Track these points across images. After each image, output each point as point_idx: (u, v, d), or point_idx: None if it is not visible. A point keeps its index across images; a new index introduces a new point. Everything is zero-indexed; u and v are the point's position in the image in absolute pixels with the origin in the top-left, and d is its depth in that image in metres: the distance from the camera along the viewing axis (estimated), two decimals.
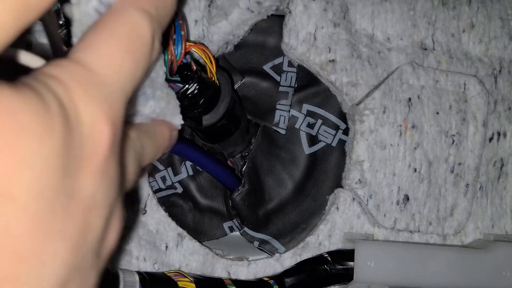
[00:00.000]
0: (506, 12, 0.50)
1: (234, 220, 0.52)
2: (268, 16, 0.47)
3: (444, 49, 0.49)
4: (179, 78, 0.35)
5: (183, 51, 0.33)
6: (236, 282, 0.43)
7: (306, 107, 0.52)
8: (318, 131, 0.52)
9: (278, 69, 0.52)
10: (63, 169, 0.15)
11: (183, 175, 0.53)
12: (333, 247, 0.45)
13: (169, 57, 0.33)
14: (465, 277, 0.43)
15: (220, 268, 0.45)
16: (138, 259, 0.43)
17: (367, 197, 0.45)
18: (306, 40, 0.46)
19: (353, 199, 0.46)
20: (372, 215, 0.45)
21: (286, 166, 0.53)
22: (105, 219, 0.17)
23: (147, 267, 0.44)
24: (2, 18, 0.14)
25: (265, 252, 0.51)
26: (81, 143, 0.15)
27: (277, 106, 0.52)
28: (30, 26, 0.15)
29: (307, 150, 0.53)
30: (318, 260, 0.44)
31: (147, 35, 0.18)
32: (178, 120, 0.29)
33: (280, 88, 0.52)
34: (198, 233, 0.52)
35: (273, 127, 0.52)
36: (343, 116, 0.51)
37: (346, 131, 0.52)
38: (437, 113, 0.46)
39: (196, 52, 0.37)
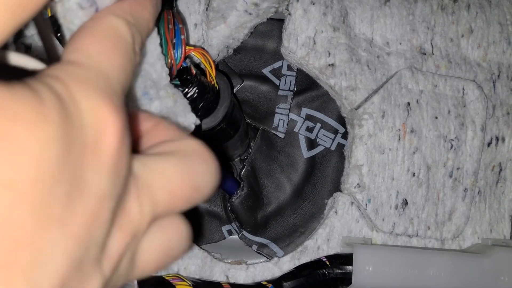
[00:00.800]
0: (505, 17, 0.50)
1: (233, 223, 0.52)
2: (267, 20, 0.47)
3: (443, 53, 0.49)
4: (178, 82, 0.35)
5: (183, 55, 0.33)
6: (234, 286, 0.43)
7: (305, 111, 0.53)
8: (317, 135, 0.53)
9: (277, 73, 0.52)
10: (64, 156, 0.14)
11: None
12: (331, 251, 0.45)
13: (169, 60, 0.33)
14: (463, 281, 0.43)
15: (219, 272, 0.44)
16: None
17: (366, 201, 0.45)
18: (305, 44, 0.46)
19: (352, 203, 0.46)
20: (371, 219, 0.45)
21: (285, 169, 0.53)
22: (112, 212, 0.16)
23: None
24: None
25: (264, 255, 0.51)
26: (83, 131, 0.15)
27: (276, 110, 0.52)
28: (25, 24, 0.16)
29: (306, 153, 0.53)
30: (316, 264, 0.44)
31: (127, 37, 0.19)
32: (191, 118, 0.29)
33: (279, 92, 0.52)
34: (196, 237, 0.52)
35: (272, 131, 0.52)
36: (342, 120, 0.51)
37: (345, 135, 0.52)
38: (436, 117, 0.47)
39: (196, 56, 0.37)
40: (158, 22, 0.30)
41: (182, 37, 0.33)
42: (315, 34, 0.46)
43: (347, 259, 0.43)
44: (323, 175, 0.53)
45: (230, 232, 0.53)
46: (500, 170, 0.49)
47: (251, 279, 0.45)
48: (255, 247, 0.51)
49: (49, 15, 0.24)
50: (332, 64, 0.47)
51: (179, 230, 0.20)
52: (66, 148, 0.15)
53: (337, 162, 0.52)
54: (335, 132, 0.52)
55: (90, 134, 0.16)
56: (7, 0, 0.15)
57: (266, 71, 0.52)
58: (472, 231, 0.48)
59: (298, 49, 0.46)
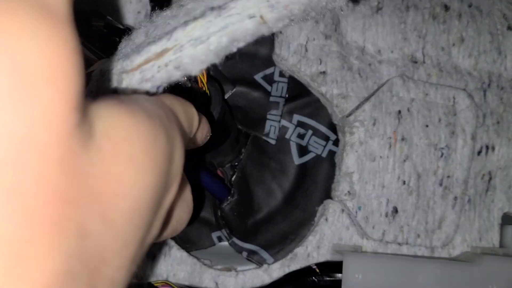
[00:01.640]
0: (496, 27, 0.50)
1: (223, 230, 0.52)
2: None
3: (434, 62, 0.49)
4: None
5: None
6: None
7: (296, 117, 0.53)
8: (308, 142, 0.53)
9: (269, 79, 0.52)
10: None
11: None
12: (321, 259, 0.45)
13: None
14: None
15: (208, 279, 0.44)
16: None
17: (356, 208, 0.45)
18: (297, 51, 0.46)
19: (342, 210, 0.46)
20: (361, 227, 0.45)
21: (276, 176, 0.53)
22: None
23: (134, 277, 0.43)
24: None
25: (254, 262, 0.50)
26: None
27: (268, 116, 0.52)
28: None
29: (297, 160, 0.53)
30: (306, 271, 0.44)
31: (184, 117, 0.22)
32: None
33: (271, 98, 0.52)
34: (186, 243, 0.51)
35: (263, 137, 0.52)
36: (333, 127, 0.51)
37: (336, 142, 0.52)
38: (427, 126, 0.47)
39: None
40: None
41: None
42: (307, 42, 0.47)
43: (337, 266, 0.43)
44: (314, 182, 0.53)
45: (220, 239, 0.53)
46: (490, 178, 0.49)
47: (241, 286, 0.44)
48: (245, 253, 0.51)
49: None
50: (324, 72, 0.47)
51: (190, 206, 0.26)
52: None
53: (328, 169, 0.52)
54: (327, 139, 0.52)
55: None
56: None
57: (258, 77, 0.52)
58: (461, 239, 0.48)
59: (290, 56, 0.46)
